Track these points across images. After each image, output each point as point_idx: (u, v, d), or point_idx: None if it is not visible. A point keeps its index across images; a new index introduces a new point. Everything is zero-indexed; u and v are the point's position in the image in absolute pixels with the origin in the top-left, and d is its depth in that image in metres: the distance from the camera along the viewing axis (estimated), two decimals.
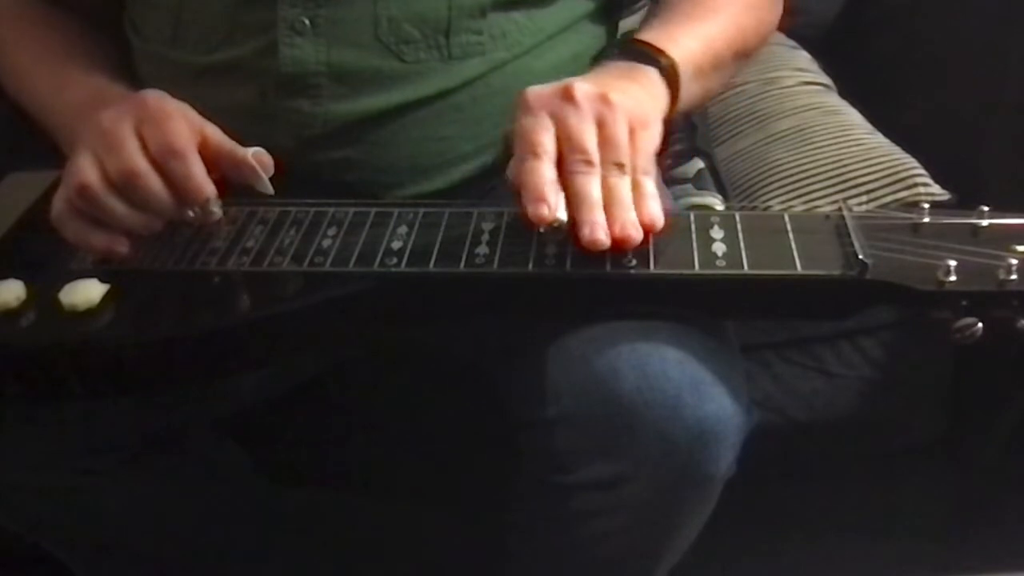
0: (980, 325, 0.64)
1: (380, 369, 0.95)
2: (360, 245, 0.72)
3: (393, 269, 0.69)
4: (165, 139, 0.70)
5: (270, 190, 0.73)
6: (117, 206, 0.70)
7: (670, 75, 0.75)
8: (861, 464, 1.09)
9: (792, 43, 1.31)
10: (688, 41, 0.78)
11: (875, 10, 1.34)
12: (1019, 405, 1.05)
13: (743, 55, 0.85)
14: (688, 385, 0.70)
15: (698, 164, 1.08)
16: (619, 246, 0.66)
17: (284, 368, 0.89)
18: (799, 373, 1.03)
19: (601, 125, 0.68)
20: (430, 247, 0.70)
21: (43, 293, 0.70)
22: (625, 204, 0.67)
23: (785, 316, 0.92)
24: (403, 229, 0.72)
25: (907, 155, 1.04)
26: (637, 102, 0.71)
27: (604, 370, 0.70)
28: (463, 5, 0.79)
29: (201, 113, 0.73)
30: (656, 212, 0.68)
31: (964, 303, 0.64)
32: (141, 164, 0.69)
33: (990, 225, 0.67)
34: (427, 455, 1.01)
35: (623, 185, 0.67)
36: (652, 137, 0.70)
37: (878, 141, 1.08)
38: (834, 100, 1.18)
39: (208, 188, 0.71)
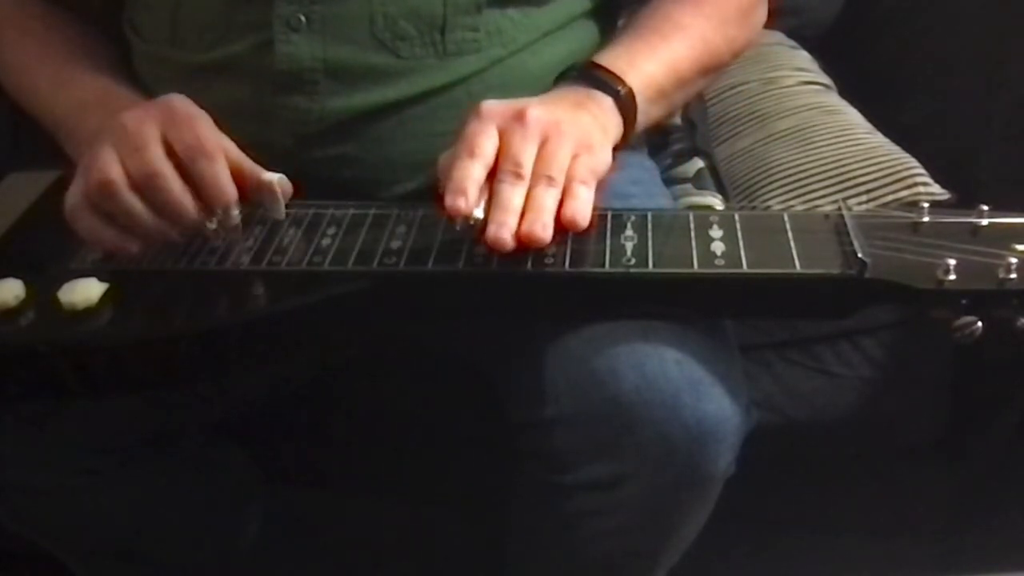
0: (980, 324, 0.64)
1: (380, 369, 0.95)
2: (359, 244, 0.72)
3: (392, 268, 0.69)
4: (195, 139, 0.70)
5: (283, 216, 0.74)
6: (136, 206, 0.70)
7: (626, 103, 0.76)
8: (861, 464, 1.09)
9: (792, 43, 1.31)
10: (650, 65, 0.79)
11: (875, 10, 1.34)
12: (1019, 405, 1.05)
13: (712, 71, 0.85)
14: (687, 385, 0.70)
15: (698, 164, 1.08)
16: (525, 245, 0.67)
17: (284, 368, 0.89)
18: (799, 373, 1.03)
19: (544, 144, 0.69)
20: (429, 246, 0.70)
21: (42, 292, 0.70)
22: (540, 208, 0.67)
23: (785, 316, 0.92)
24: (402, 229, 0.73)
25: (907, 155, 1.04)
26: (585, 132, 0.72)
27: (603, 370, 0.70)
28: (458, 2, 0.79)
29: None
30: (578, 211, 0.68)
31: (964, 302, 0.64)
32: (165, 167, 0.70)
33: (990, 224, 0.67)
34: (427, 455, 1.01)
35: (546, 194, 0.68)
36: (596, 161, 0.71)
37: (878, 141, 1.08)
38: (834, 100, 1.18)
39: (232, 191, 0.71)
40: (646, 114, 0.78)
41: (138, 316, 0.70)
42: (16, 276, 0.70)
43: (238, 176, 0.72)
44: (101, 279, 0.70)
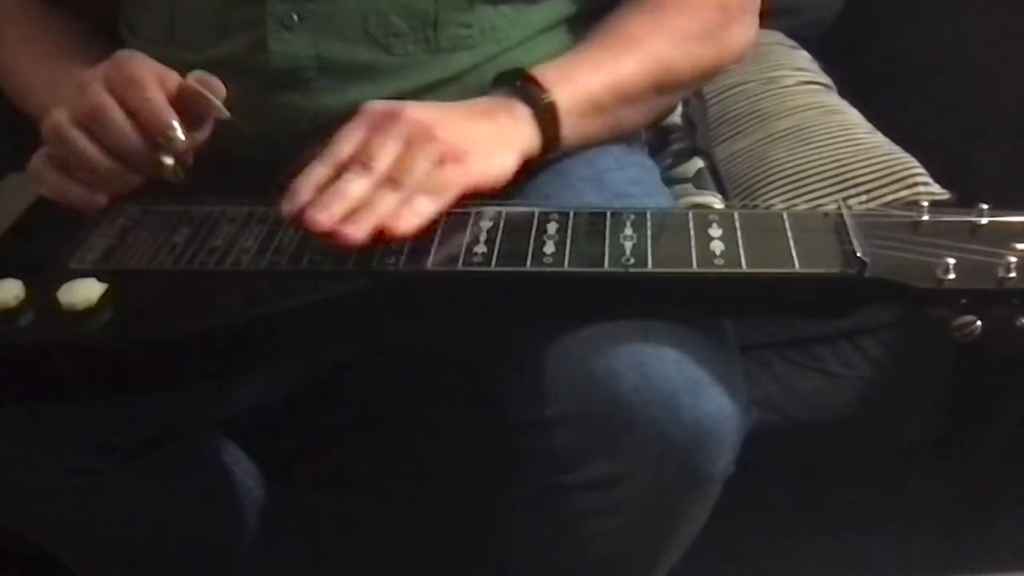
0: (979, 323, 0.64)
1: (380, 369, 0.95)
2: None
3: (391, 268, 0.69)
4: (125, 73, 0.72)
5: (225, 113, 0.74)
6: (83, 142, 0.72)
7: (545, 115, 0.76)
8: (861, 464, 1.09)
9: (792, 43, 1.32)
10: (589, 78, 0.78)
11: (875, 10, 1.34)
12: (1019, 405, 1.05)
13: (670, 88, 0.84)
14: (686, 385, 0.70)
15: (698, 163, 1.08)
16: (333, 237, 0.67)
17: (284, 368, 0.89)
18: (799, 373, 1.03)
19: (408, 147, 0.69)
20: (428, 246, 0.70)
21: (42, 292, 0.69)
22: (371, 208, 0.67)
23: (784, 315, 0.92)
24: None
25: (907, 154, 1.04)
26: (466, 140, 0.72)
27: (602, 370, 0.70)
28: None
29: None
30: (401, 221, 0.68)
31: (963, 301, 0.64)
32: (104, 99, 0.71)
33: (989, 223, 0.67)
34: (427, 455, 1.01)
35: (386, 197, 0.68)
36: (463, 173, 0.71)
37: (878, 141, 1.08)
38: (834, 100, 1.18)
39: (168, 113, 0.71)
40: (576, 127, 0.78)
41: (138, 316, 0.70)
42: (15, 276, 0.70)
43: (178, 90, 0.73)
44: (101, 279, 0.70)
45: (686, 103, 1.10)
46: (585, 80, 0.78)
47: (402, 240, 0.69)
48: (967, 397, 1.06)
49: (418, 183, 0.69)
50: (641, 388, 0.69)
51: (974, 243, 0.66)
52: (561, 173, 0.82)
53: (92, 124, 0.72)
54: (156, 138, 0.72)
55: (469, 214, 0.72)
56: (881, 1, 1.34)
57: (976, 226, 0.67)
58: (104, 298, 0.69)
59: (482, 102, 0.76)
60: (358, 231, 0.67)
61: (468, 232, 0.71)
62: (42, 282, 0.70)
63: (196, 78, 0.73)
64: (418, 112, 0.71)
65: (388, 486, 1.05)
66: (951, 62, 1.18)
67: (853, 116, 1.13)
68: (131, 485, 0.86)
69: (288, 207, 0.68)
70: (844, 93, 1.21)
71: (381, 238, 0.68)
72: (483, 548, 1.03)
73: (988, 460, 1.09)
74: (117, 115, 0.72)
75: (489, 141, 0.73)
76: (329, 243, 0.67)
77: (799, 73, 1.22)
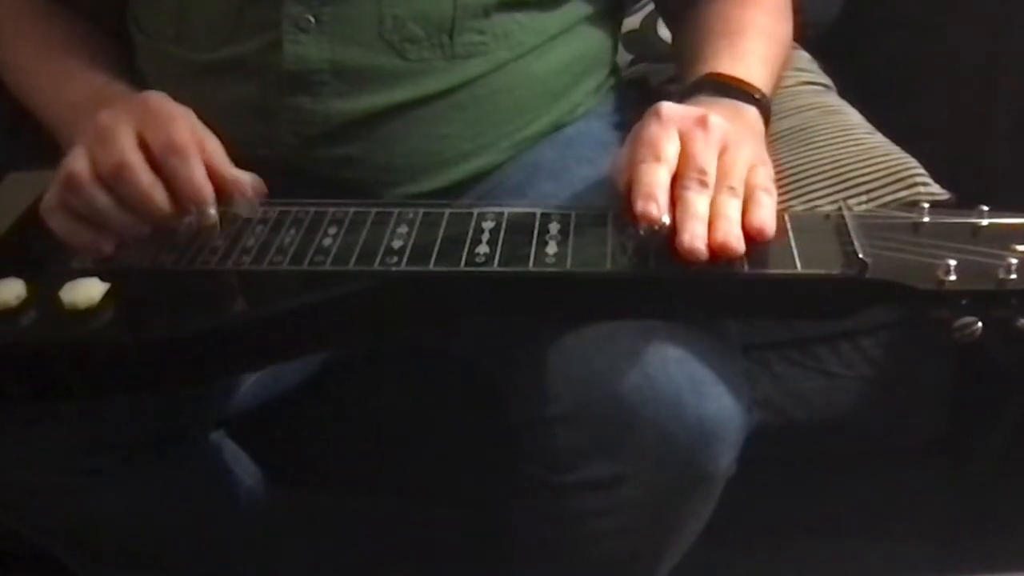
0: (980, 324, 0.64)
1: (380, 369, 0.95)
2: (360, 244, 0.72)
3: (393, 268, 0.69)
4: (168, 137, 0.69)
5: (257, 215, 0.73)
6: (102, 200, 0.69)
7: (766, 113, 0.77)
8: (861, 464, 1.09)
9: (792, 43, 1.31)
10: (759, 68, 0.79)
11: (875, 10, 1.34)
12: (1019, 405, 1.05)
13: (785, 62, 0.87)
14: (688, 384, 0.70)
15: None
16: (718, 255, 0.65)
17: (284, 368, 0.89)
18: (799, 373, 1.03)
19: (723, 154, 0.68)
20: (430, 246, 0.70)
21: (44, 292, 0.69)
22: (729, 218, 0.66)
23: (785, 316, 0.92)
24: (403, 228, 0.72)
25: (907, 155, 1.04)
26: (756, 148, 0.71)
27: (604, 369, 0.70)
28: (467, 5, 0.79)
29: (204, 110, 0.73)
30: (765, 220, 0.66)
31: (964, 302, 0.64)
32: (133, 158, 0.68)
33: (990, 224, 0.67)
34: (427, 455, 1.01)
35: (730, 204, 0.67)
36: (769, 174, 0.70)
37: (878, 141, 1.07)
38: (834, 100, 1.18)
39: (208, 189, 0.70)
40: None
41: (140, 316, 0.70)
42: (17, 276, 0.70)
43: (212, 173, 0.71)
44: (103, 279, 0.70)
45: None
46: (758, 71, 0.79)
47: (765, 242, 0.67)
48: (967, 397, 1.06)
49: (742, 183, 0.68)
50: (643, 387, 0.69)
51: (975, 244, 0.66)
52: (562, 174, 0.83)
53: (116, 182, 0.68)
54: (187, 208, 0.70)
55: (471, 214, 0.72)
56: (881, 1, 1.34)
57: (977, 227, 0.67)
58: (106, 297, 0.69)
59: (720, 110, 0.74)
60: (739, 243, 0.65)
61: (470, 232, 0.71)
62: (44, 281, 0.70)
63: (250, 182, 0.72)
64: (720, 119, 0.70)
65: (388, 486, 1.05)
66: (952, 62, 1.18)
67: (853, 116, 1.13)
68: (131, 485, 0.86)
69: (652, 211, 0.65)
70: (844, 93, 1.21)
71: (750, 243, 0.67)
72: (483, 548, 1.03)
73: (988, 460, 1.09)
74: (146, 178, 0.68)
75: (763, 147, 0.74)
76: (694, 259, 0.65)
77: (799, 73, 1.22)
